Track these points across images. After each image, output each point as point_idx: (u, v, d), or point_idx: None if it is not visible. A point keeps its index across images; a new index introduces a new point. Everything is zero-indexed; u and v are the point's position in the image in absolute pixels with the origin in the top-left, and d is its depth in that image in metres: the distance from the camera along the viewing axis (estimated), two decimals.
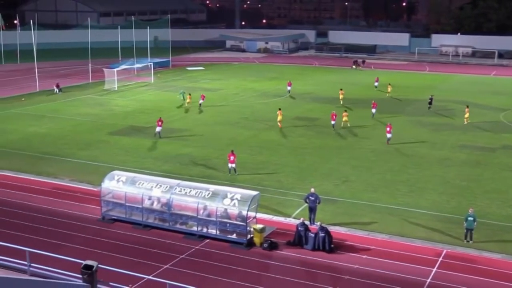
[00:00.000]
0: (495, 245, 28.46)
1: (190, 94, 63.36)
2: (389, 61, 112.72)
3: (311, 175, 38.89)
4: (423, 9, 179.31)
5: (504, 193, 36.16)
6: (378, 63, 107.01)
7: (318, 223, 28.31)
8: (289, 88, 71.97)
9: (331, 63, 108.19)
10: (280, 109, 54.20)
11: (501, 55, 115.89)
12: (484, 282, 24.81)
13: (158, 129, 48.34)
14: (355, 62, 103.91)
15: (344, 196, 34.99)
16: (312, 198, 30.58)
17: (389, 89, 71.11)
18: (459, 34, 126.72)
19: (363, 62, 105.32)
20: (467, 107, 57.02)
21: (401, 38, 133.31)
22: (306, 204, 31.24)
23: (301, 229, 27.96)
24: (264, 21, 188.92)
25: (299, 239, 27.95)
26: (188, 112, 59.37)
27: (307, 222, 29.00)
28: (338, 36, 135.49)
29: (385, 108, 60.51)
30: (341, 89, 66.89)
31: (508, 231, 30.26)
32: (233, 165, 38.60)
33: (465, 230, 28.91)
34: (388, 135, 47.58)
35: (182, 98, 63.75)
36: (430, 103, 62.50)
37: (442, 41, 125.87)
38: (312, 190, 31.11)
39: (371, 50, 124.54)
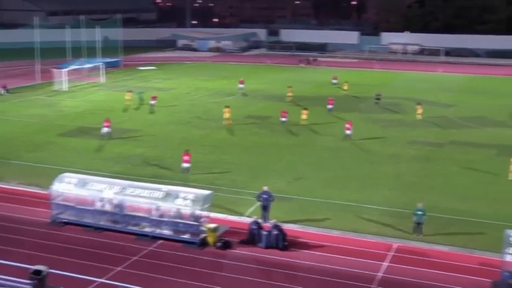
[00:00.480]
0: (443, 238, 29.11)
1: (130, 91, 62.98)
2: (339, 59, 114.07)
3: (264, 173, 39.01)
4: (373, 8, 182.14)
5: (451, 187, 37.04)
6: (329, 61, 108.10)
7: (274, 221, 28.38)
8: (241, 86, 72.15)
9: (283, 61, 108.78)
10: (227, 106, 54.35)
11: (448, 53, 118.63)
12: (433, 274, 25.34)
13: (105, 130, 47.51)
14: (307, 60, 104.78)
15: (297, 194, 35.21)
16: (265, 196, 30.66)
17: (345, 87, 72.12)
18: (407, 32, 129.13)
19: (314, 60, 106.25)
20: (419, 104, 58.30)
21: (351, 36, 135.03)
22: (259, 203, 31.31)
23: (254, 227, 28.01)
24: (215, 20, 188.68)
25: (252, 237, 27.99)
26: (139, 112, 58.78)
27: (260, 221, 29.08)
28: (289, 35, 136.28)
29: (337, 106, 61.12)
30: (289, 87, 67.70)
31: (455, 223, 31.01)
32: (188, 165, 38.41)
33: (414, 224, 29.49)
34: (348, 132, 48.16)
35: (140, 98, 63.17)
36: (377, 99, 64.16)
37: (391, 39, 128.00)
38: (265, 188, 31.18)
39: (322, 48, 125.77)
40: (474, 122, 56.02)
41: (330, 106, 59.22)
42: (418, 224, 29.38)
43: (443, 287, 24.29)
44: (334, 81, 77.62)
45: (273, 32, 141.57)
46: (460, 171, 40.41)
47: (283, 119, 53.35)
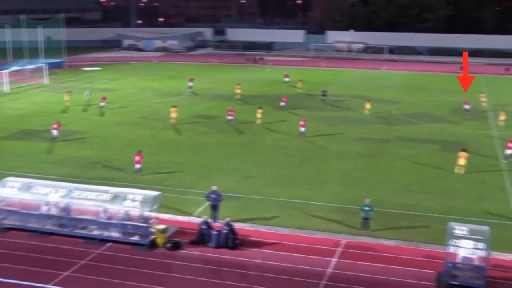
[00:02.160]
0: (390, 233, 29.71)
1: (69, 92, 62.01)
2: (286, 58, 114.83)
3: (212, 173, 38.96)
4: (318, 7, 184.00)
5: (397, 182, 37.83)
6: (276, 60, 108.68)
7: (227, 219, 28.37)
8: (190, 84, 71.93)
9: (229, 60, 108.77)
10: (174, 106, 54.21)
11: (391, 51, 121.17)
12: (381, 268, 25.84)
13: (55, 132, 46.66)
14: (253, 59, 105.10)
15: (246, 193, 35.31)
16: (214, 196, 30.64)
17: (299, 85, 72.73)
18: (352, 30, 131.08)
19: (261, 59, 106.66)
20: (369, 100, 60.24)
21: (297, 35, 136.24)
22: (208, 202, 31.26)
23: (204, 227, 27.96)
24: (161, 19, 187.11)
25: (202, 237, 27.93)
26: (86, 113, 57.76)
27: (209, 220, 29.04)
28: (235, 34, 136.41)
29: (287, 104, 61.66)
30: (238, 84, 68.28)
31: (401, 218, 31.69)
32: (139, 165, 38.19)
33: (362, 220, 29.99)
34: (302, 129, 48.71)
35: (87, 99, 62.11)
36: (323, 95, 65.63)
37: (336, 37, 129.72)
38: (214, 187, 31.17)
39: (268, 47, 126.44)
40: (417, 118, 57.34)
41: (283, 104, 60.05)
42: (366, 219, 29.90)
43: (390, 281, 24.82)
44: (286, 79, 78.19)
45: (219, 31, 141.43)
46: (406, 166, 41.30)
47: (230, 117, 53.57)
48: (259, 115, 53.85)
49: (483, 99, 64.98)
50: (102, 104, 59.05)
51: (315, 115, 57.59)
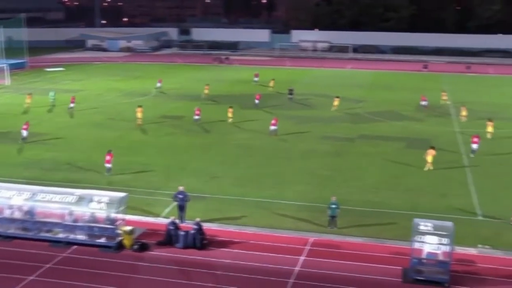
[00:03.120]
0: (357, 230, 30.01)
1: (30, 94, 61.12)
2: (252, 57, 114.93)
3: (179, 173, 38.80)
4: (282, 6, 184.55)
5: (363, 180, 38.22)
6: (241, 59, 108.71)
7: (197, 219, 28.28)
8: (159, 84, 71.89)
9: (195, 60, 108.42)
10: (140, 106, 53.94)
11: (355, 50, 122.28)
12: (348, 266, 26.09)
13: (24, 133, 45.98)
14: (219, 59, 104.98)
15: (213, 193, 35.26)
16: (181, 196, 30.53)
17: (271, 84, 72.83)
18: (316, 30, 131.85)
19: (226, 58, 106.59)
20: (338, 97, 61.18)
21: (262, 35, 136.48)
22: (175, 203, 31.13)
23: (171, 228, 27.84)
24: (125, 19, 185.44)
25: (169, 238, 27.80)
26: (51, 114, 56.91)
27: (177, 221, 28.94)
28: (201, 34, 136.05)
29: (249, 103, 61.75)
30: (207, 84, 68.41)
31: (367, 215, 32.02)
32: (109, 165, 38.01)
33: (329, 218, 30.22)
34: (273, 127, 49.03)
35: (52, 100, 61.21)
36: (290, 94, 66.45)
37: (301, 36, 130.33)
38: (181, 188, 31.06)
39: (233, 46, 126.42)
40: (382, 116, 57.99)
41: (257, 101, 61.12)
42: (333, 217, 30.14)
43: (358, 278, 25.07)
44: (256, 79, 78.23)
45: (184, 31, 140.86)
46: (371, 164, 41.74)
47: (196, 117, 53.49)
48: (230, 114, 53.87)
49: (444, 97, 66.10)
50: (72, 105, 58.19)
51: (282, 114, 57.68)
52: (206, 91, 67.12)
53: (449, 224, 25.31)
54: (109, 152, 38.51)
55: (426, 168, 40.34)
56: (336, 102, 60.46)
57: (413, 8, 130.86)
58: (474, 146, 43.92)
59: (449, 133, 51.58)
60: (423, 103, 62.56)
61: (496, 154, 44.56)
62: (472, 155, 43.62)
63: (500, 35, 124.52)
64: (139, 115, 52.73)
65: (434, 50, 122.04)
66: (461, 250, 27.37)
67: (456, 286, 24.37)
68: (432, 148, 41.13)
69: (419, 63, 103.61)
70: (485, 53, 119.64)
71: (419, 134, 50.89)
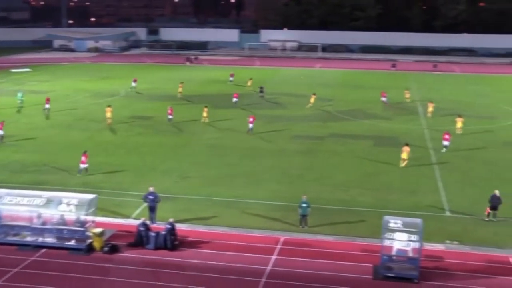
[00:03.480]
0: (328, 228, 30.19)
1: None
2: (221, 57, 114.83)
3: (150, 174, 38.56)
4: (251, 5, 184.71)
5: (333, 178, 38.47)
6: (211, 59, 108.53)
7: (170, 220, 28.14)
8: (134, 84, 71.85)
9: (164, 60, 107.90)
10: (109, 106, 53.75)
11: (324, 49, 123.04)
12: (319, 264, 26.23)
13: (0, 132, 46.03)
14: (188, 59, 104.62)
15: (184, 193, 35.12)
16: (152, 197, 30.35)
17: (249, 83, 72.76)
18: (285, 29, 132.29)
19: (196, 58, 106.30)
20: (314, 94, 62.16)
21: (232, 34, 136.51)
22: (146, 204, 30.94)
23: (142, 229, 27.65)
24: (93, 19, 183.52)
25: (140, 239, 27.61)
26: (19, 115, 56.02)
27: (148, 222, 28.76)
28: (169, 34, 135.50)
29: (218, 103, 61.73)
30: (181, 83, 68.70)
31: (338, 213, 32.23)
32: (85, 166, 37.94)
33: (300, 217, 30.35)
34: (250, 125, 49.68)
35: (20, 101, 60.27)
36: (261, 92, 67.36)
37: (270, 36, 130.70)
38: (151, 189, 30.87)
39: (203, 46, 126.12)
40: (351, 115, 58.45)
41: (235, 99, 62.28)
42: (303, 216, 30.27)
43: (329, 275, 25.22)
44: (231, 78, 78.14)
45: (153, 31, 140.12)
46: (341, 163, 42.05)
47: (170, 116, 53.31)
48: (205, 114, 53.88)
49: (407, 95, 67.22)
50: (47, 106, 56.95)
51: (253, 114, 57.72)
52: (180, 90, 67.14)
53: (418, 221, 25.63)
54: (84, 153, 38.31)
55: (402, 165, 40.87)
56: (312, 99, 61.22)
57: (380, 7, 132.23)
58: (446, 142, 44.82)
59: (417, 130, 52.27)
60: (383, 99, 64.42)
61: (462, 150, 45.31)
62: (444, 151, 44.50)
63: (465, 34, 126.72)
64: (108, 114, 52.43)
65: (402, 49, 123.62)
66: (430, 246, 27.75)
67: (426, 282, 24.70)
68: (407, 145, 41.71)
69: (387, 62, 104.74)
70: (451, 51, 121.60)
71: (388, 132, 51.45)
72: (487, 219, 31.63)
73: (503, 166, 41.64)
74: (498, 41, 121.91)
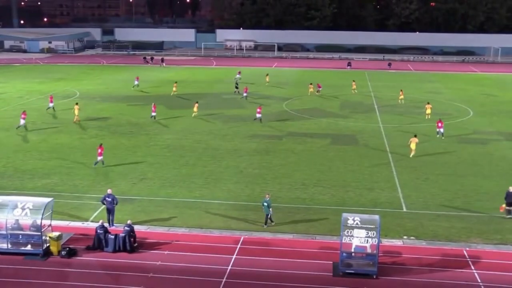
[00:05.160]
0: (287, 227, 30.34)
1: None
2: (177, 57, 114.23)
3: (107, 176, 38.08)
4: (207, 5, 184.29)
5: (292, 176, 38.68)
6: (167, 59, 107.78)
7: (129, 221, 27.84)
8: (136, 82, 72.91)
9: (119, 61, 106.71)
10: (76, 103, 54.55)
11: (280, 48, 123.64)
12: (279, 262, 26.36)
13: (22, 122, 49.75)
14: (144, 59, 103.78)
15: (142, 194, 34.83)
16: (109, 199, 29.99)
17: (174, 88, 72.00)
18: (241, 29, 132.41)
19: (152, 58, 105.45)
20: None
21: (187, 34, 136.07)
22: (103, 206, 30.55)
23: (100, 231, 27.29)
24: (45, 19, 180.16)
25: (98, 242, 27.25)
26: None
27: (106, 225, 28.41)
28: (124, 34, 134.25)
29: (176, 103, 61.31)
30: (175, 82, 70.11)
31: (297, 212, 32.44)
32: (101, 158, 39.48)
33: (266, 216, 30.39)
34: (258, 115, 53.86)
35: None
36: (236, 87, 69.68)
37: (226, 36, 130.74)
38: (109, 191, 30.50)
39: (158, 46, 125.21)
40: (308, 114, 58.85)
41: (245, 94, 65.88)
42: (267, 215, 30.33)
43: (289, 274, 25.37)
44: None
45: (108, 31, 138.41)
46: (299, 161, 42.30)
47: (153, 113, 54.56)
48: (195, 109, 55.96)
49: (353, 87, 70.41)
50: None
51: (209, 114, 57.68)
52: (174, 89, 68.43)
53: (375, 217, 25.99)
54: (100, 145, 40.25)
55: (411, 155, 43.11)
56: (311, 89, 68.22)
57: (334, 7, 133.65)
58: (441, 130, 48.67)
59: (373, 128, 52.99)
60: (319, 89, 70.08)
61: (417, 146, 46.09)
62: (440, 137, 48.27)
63: (418, 33, 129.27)
64: (76, 112, 53.26)
65: (357, 48, 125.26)
66: (387, 242, 28.20)
67: (384, 277, 25.07)
68: (415, 136, 44.20)
69: (343, 61, 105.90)
70: (405, 50, 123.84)
71: (345, 130, 52.03)
72: (508, 216, 31.78)
73: (457, 162, 42.57)
74: (448, 39, 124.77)
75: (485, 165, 41.98)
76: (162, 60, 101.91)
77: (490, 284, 24.66)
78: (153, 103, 56.43)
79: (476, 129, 53.11)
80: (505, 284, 24.72)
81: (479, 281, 24.93)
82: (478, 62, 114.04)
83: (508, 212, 31.81)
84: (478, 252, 27.70)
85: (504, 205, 31.86)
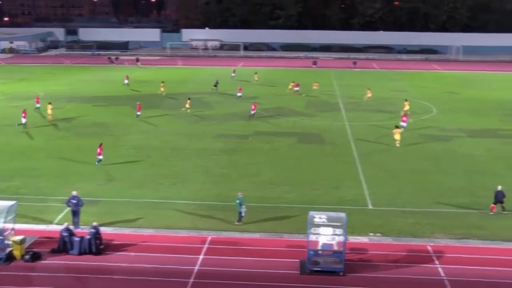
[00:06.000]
0: (254, 226, 30.37)
1: None
2: (143, 57, 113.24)
3: (72, 178, 37.57)
4: (172, 5, 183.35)
5: (259, 176, 38.75)
6: (132, 60, 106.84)
7: (94, 223, 27.52)
8: (126, 81, 73.54)
9: (84, 61, 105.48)
10: (49, 103, 54.52)
11: (246, 48, 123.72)
12: (247, 261, 26.40)
13: (23, 120, 50.01)
14: (109, 60, 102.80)
15: (108, 196, 34.47)
16: (74, 201, 29.61)
17: (162, 88, 71.39)
18: (207, 28, 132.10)
19: (116, 58, 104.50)
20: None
21: (153, 34, 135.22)
22: (69, 208, 30.16)
23: (65, 234, 26.92)
24: (6, 19, 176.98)
25: (63, 245, 26.89)
26: None
27: (71, 227, 28.05)
28: (89, 34, 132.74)
29: (142, 104, 60.82)
30: (162, 82, 69.08)
31: (264, 211, 32.49)
32: (100, 157, 40.09)
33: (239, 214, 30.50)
34: (252, 112, 56.04)
35: None
36: (215, 85, 71.22)
37: (192, 35, 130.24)
38: (74, 193, 30.10)
39: (124, 46, 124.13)
40: (275, 113, 59.01)
41: (239, 94, 66.56)
42: (239, 213, 30.37)
43: (257, 273, 25.42)
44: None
45: (71, 31, 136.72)
46: (266, 160, 42.39)
47: (138, 113, 54.91)
48: (188, 106, 57.52)
49: (315, 87, 71.18)
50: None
51: (176, 114, 57.38)
52: (162, 89, 68.09)
53: (342, 215, 26.19)
54: (100, 145, 40.62)
55: (397, 145, 45.33)
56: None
57: (299, 6, 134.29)
58: (403, 124, 50.30)
59: (339, 126, 53.42)
60: (296, 88, 70.83)
61: (382, 144, 46.72)
62: (402, 130, 48.59)
63: (382, 31, 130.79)
64: (49, 111, 53.24)
65: (322, 47, 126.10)
66: (354, 239, 28.46)
67: (351, 274, 25.30)
68: (397, 127, 46.99)
69: (308, 60, 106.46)
70: (369, 49, 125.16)
71: (311, 129, 52.34)
72: (492, 213, 32.36)
73: (420, 158, 43.18)
74: (411, 38, 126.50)
75: (449, 161, 42.70)
76: (137, 60, 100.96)
77: (453, 278, 25.12)
78: (138, 103, 56.38)
79: (439, 126, 53.96)
80: (468, 278, 25.22)
81: (443, 275, 25.37)
82: (440, 60, 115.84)
83: (502, 208, 32.44)
84: (442, 247, 28.17)
85: (494, 205, 32.47)
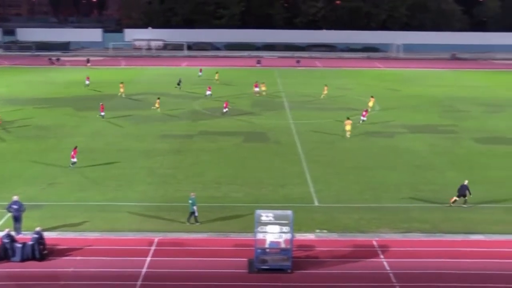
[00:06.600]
0: (201, 226, 30.26)
1: None
2: (84, 58, 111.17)
3: (13, 182, 36.57)
4: (114, 4, 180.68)
5: (204, 175, 38.65)
6: (74, 60, 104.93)
7: (37, 228, 26.84)
8: (87, 82, 72.28)
9: (23, 62, 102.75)
10: None
11: (190, 47, 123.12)
12: (195, 262, 26.31)
13: None
14: (50, 60, 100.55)
15: (51, 200, 33.75)
16: (16, 207, 28.82)
17: (121, 89, 69.87)
18: (150, 28, 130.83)
19: (57, 59, 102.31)
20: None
21: (94, 34, 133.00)
22: (10, 214, 29.35)
23: (7, 241, 26.16)
24: None
25: (4, 252, 26.12)
26: None
27: (13, 233, 27.31)
28: (27, 34, 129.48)
29: (84, 105, 59.92)
30: (121, 83, 67.82)
31: (211, 210, 32.36)
32: (74, 160, 39.63)
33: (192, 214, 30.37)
34: (225, 110, 56.99)
35: None
36: (178, 84, 72.04)
37: (134, 35, 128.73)
38: (15, 197, 29.30)
39: (64, 47, 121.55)
40: (220, 112, 58.92)
41: (208, 92, 67.00)
42: (191, 213, 30.23)
43: (205, 273, 25.36)
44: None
45: (9, 32, 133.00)
46: (212, 160, 42.33)
47: (102, 113, 54.47)
48: (157, 105, 58.11)
49: (263, 88, 70.62)
50: None
51: (119, 115, 56.60)
52: (121, 90, 66.71)
53: (288, 212, 26.38)
54: (74, 148, 40.27)
55: (348, 135, 47.68)
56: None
57: (243, 5, 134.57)
58: (364, 118, 53.24)
59: (284, 124, 53.84)
60: (256, 89, 69.82)
61: (325, 142, 47.40)
62: (360, 123, 52.22)
63: (324, 30, 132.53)
64: None
65: (266, 46, 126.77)
66: (301, 236, 28.75)
67: (298, 271, 25.55)
68: (348, 118, 48.61)
69: (252, 59, 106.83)
70: (312, 47, 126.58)
71: (256, 128, 52.57)
72: (449, 205, 33.24)
73: (364, 155, 43.98)
74: (353, 36, 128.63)
75: (392, 157, 43.64)
76: (88, 61, 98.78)
77: (398, 270, 25.70)
78: (101, 103, 55.76)
79: (382, 123, 55.04)
80: (412, 270, 25.86)
81: (388, 268, 25.93)
82: (382, 58, 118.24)
83: (465, 201, 33.27)
84: (387, 241, 28.79)
85: (455, 198, 33.28)
